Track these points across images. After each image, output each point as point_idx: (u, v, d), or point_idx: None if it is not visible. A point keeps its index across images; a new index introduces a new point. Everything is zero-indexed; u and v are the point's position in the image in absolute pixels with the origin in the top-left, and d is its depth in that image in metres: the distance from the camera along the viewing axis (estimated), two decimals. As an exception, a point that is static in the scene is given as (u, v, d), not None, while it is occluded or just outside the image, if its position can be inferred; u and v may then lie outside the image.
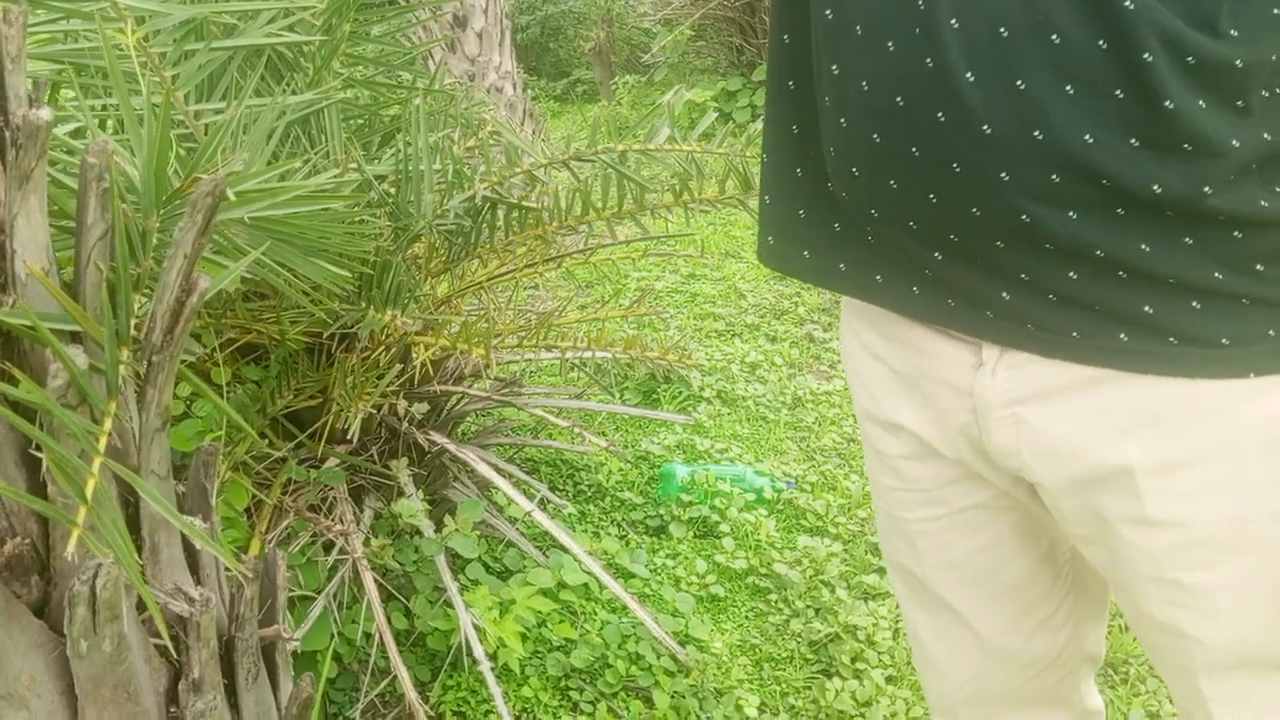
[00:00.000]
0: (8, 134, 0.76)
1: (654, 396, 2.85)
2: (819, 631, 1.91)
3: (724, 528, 2.19)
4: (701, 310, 3.54)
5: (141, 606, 0.80)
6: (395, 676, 1.56)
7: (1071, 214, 0.72)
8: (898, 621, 1.93)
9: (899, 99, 0.74)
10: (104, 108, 1.54)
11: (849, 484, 2.39)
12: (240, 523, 1.55)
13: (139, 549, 0.84)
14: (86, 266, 0.82)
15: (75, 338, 0.80)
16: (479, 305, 2.32)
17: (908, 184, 0.77)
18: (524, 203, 2.02)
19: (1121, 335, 0.75)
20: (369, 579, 1.64)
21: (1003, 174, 0.72)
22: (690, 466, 2.38)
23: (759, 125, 2.03)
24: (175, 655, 0.83)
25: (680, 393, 2.86)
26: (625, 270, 3.75)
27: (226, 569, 1.06)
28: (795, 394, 2.89)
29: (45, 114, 0.75)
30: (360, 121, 2.05)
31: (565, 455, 2.44)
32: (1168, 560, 0.79)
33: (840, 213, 0.86)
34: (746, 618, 1.99)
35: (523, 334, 2.20)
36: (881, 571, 2.06)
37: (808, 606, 1.98)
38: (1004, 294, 0.77)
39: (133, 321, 0.84)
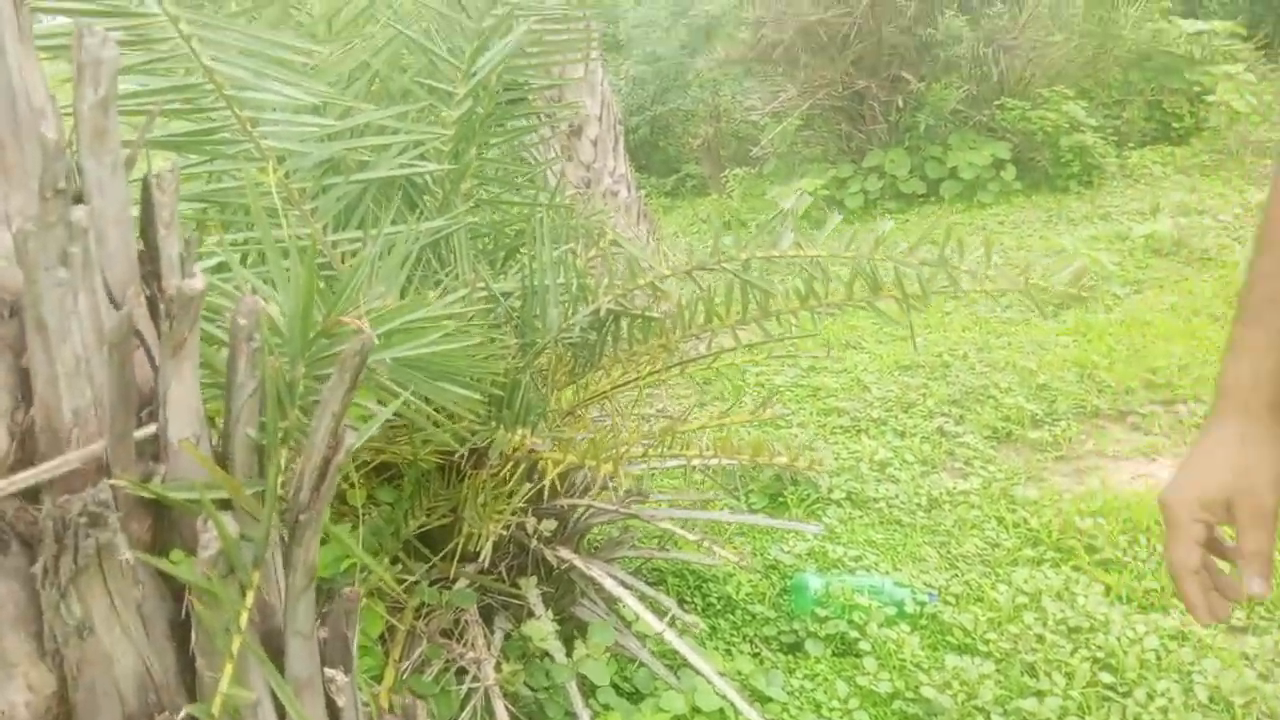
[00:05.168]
0: (161, 304, 0.77)
1: (780, 499, 2.76)
2: (976, 764, 1.76)
3: (864, 645, 2.07)
4: (825, 405, 3.45)
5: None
6: (529, 814, 1.50)
7: None
8: (1063, 753, 1.77)
9: None
10: (245, 241, 1.60)
11: (996, 595, 2.24)
12: (375, 650, 1.54)
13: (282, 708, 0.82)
14: (237, 426, 0.83)
15: (225, 502, 0.80)
16: (603, 413, 2.30)
17: None
18: (647, 313, 2.01)
19: None
20: (500, 707, 1.60)
21: None
22: (824, 577, 2.27)
23: (889, 226, 1.98)
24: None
25: (808, 494, 2.77)
26: (743, 366, 3.70)
27: (365, 704, 1.04)
28: (930, 494, 2.76)
29: (198, 283, 0.76)
30: (486, 239, 2.09)
31: (693, 566, 2.37)
32: None
33: None
34: (894, 746, 1.86)
35: (648, 442, 2.17)
36: (1040, 695, 1.91)
37: (961, 734, 1.84)
38: None
39: (279, 479, 0.84)
